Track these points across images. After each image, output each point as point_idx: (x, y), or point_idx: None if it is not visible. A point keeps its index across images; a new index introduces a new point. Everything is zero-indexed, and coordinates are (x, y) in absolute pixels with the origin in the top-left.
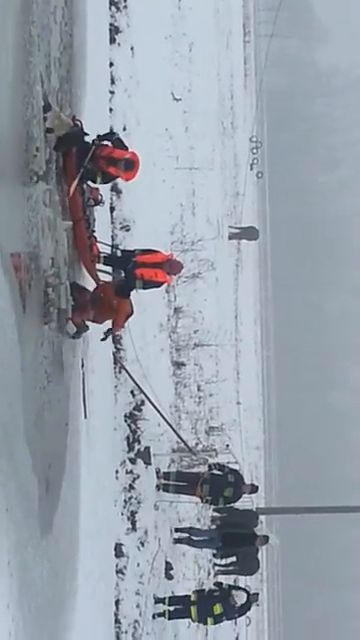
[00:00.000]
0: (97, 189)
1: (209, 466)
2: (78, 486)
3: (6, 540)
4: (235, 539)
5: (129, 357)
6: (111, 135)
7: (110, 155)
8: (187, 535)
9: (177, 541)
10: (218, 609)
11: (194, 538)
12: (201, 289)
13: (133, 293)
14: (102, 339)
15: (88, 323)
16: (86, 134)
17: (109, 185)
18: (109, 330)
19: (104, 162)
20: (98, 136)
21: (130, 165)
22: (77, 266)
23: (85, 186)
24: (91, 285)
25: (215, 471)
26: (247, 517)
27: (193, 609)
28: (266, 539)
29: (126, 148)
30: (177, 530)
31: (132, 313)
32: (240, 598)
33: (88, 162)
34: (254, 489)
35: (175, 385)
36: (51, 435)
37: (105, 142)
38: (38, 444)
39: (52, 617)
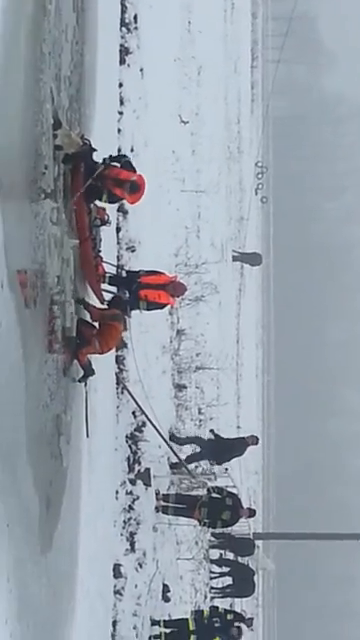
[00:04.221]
0: (104, 209)
1: (208, 489)
2: (78, 505)
3: (6, 556)
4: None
5: (132, 378)
6: (121, 157)
7: (117, 176)
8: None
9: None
10: None
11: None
12: (204, 312)
13: (137, 314)
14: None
15: (94, 367)
16: (94, 150)
17: (116, 206)
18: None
19: (111, 183)
20: (110, 157)
21: (135, 188)
22: (82, 288)
23: (92, 206)
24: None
25: (214, 494)
26: (244, 545)
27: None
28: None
29: (134, 171)
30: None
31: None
32: None
33: (95, 179)
34: (252, 513)
35: (176, 407)
36: (53, 453)
37: (114, 163)
38: (40, 462)
39: (50, 634)
